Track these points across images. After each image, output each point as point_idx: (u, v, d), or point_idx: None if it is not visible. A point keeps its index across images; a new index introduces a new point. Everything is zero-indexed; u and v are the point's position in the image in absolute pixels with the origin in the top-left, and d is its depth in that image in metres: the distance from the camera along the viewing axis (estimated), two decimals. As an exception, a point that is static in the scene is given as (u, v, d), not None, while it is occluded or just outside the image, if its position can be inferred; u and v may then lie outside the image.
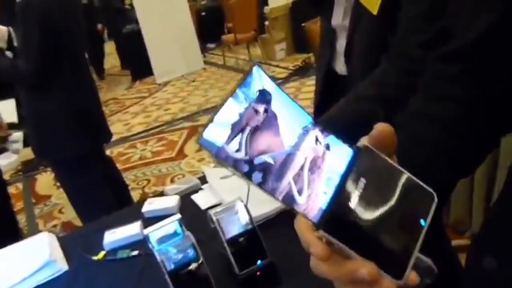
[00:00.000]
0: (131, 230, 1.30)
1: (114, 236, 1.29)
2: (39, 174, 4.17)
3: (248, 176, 0.38)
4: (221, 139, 0.38)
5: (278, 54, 6.49)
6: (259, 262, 0.99)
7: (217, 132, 0.38)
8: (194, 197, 1.43)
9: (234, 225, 1.00)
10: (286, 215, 1.21)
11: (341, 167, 0.43)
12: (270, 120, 0.40)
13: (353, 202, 0.41)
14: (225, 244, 0.98)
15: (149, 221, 1.36)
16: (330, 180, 0.42)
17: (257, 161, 0.39)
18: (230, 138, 0.38)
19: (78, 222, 3.07)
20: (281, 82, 5.38)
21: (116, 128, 4.80)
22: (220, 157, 0.38)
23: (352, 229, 0.40)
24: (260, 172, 0.39)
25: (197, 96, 5.67)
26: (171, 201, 1.40)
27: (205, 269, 0.95)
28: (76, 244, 1.33)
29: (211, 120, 0.38)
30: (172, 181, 3.44)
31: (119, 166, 3.98)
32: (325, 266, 0.41)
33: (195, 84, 6.25)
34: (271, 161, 0.40)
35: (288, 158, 0.41)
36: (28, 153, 4.20)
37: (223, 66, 6.94)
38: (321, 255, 0.40)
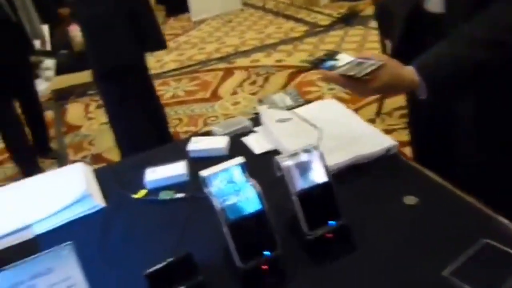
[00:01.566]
0: (175, 170, 1.17)
1: (156, 174, 1.16)
2: (70, 103, 4.09)
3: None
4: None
5: (322, 0, 6.09)
6: (330, 222, 0.84)
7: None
8: (245, 139, 1.28)
9: (304, 176, 0.84)
10: (360, 170, 1.04)
11: None
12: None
13: None
14: (294, 198, 0.83)
15: (194, 161, 1.22)
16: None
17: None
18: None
19: (109, 155, 3.00)
20: (323, 30, 5.06)
21: (149, 63, 4.63)
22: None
23: None
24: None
25: (233, 37, 5.41)
26: (220, 141, 1.24)
27: (270, 225, 0.80)
28: (113, 179, 1.21)
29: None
30: (205, 123, 3.29)
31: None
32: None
33: (232, 25, 5.96)
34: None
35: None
36: (60, 81, 4.13)
37: (262, 8, 6.59)
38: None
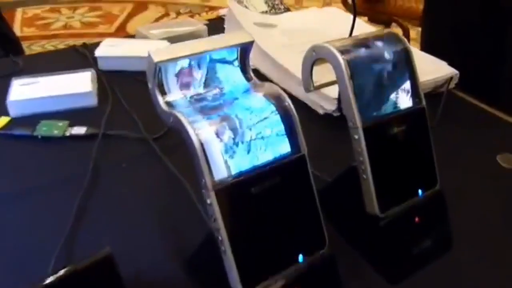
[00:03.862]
0: (71, 85, 0.65)
1: (31, 91, 0.64)
2: None
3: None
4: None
5: None
6: (420, 191, 0.42)
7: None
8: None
9: (369, 95, 0.41)
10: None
11: None
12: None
13: None
14: (356, 136, 0.39)
15: (106, 76, 0.72)
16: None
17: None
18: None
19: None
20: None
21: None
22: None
23: None
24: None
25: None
26: (155, 47, 0.75)
27: (313, 195, 0.36)
28: None
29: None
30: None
31: (34, 31, 3.13)
32: None
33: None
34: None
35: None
36: None
37: None
38: None
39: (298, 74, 0.46)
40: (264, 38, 0.74)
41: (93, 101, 0.65)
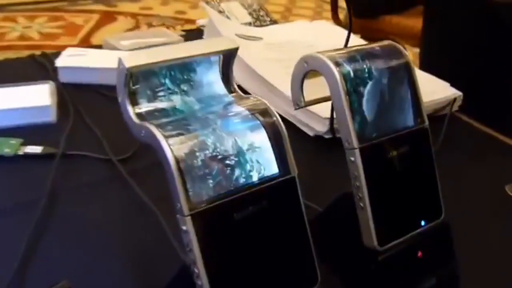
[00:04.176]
0: (28, 99, 0.64)
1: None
2: None
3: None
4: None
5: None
6: (423, 222, 0.42)
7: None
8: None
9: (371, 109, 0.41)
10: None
11: None
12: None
13: None
14: (351, 158, 0.39)
15: (69, 88, 0.72)
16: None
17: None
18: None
19: None
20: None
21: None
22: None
23: None
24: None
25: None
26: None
27: (303, 223, 0.35)
28: None
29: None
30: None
31: (-15, 41, 3.11)
32: None
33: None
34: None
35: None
36: None
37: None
38: None
39: (286, 90, 0.46)
40: (248, 51, 0.74)
41: (51, 117, 0.64)
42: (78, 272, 0.43)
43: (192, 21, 3.56)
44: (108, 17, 3.59)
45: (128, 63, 0.33)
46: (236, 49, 0.37)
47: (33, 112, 0.63)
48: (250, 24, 0.93)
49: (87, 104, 0.68)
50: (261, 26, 0.93)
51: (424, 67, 0.96)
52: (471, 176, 0.60)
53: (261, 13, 0.98)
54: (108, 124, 0.64)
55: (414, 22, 1.89)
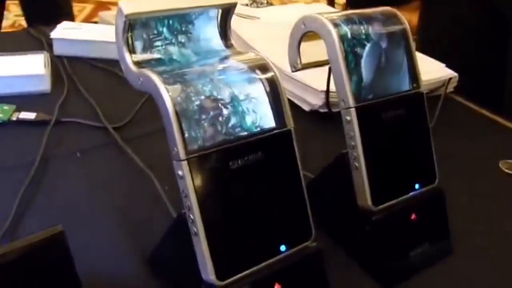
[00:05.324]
0: (22, 67, 0.64)
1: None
2: None
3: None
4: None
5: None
6: (417, 185, 0.43)
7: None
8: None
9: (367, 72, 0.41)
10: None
11: None
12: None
13: None
14: (347, 118, 0.39)
15: (64, 60, 0.71)
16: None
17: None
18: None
19: None
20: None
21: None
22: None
23: None
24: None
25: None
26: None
27: (299, 179, 0.36)
28: None
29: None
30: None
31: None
32: None
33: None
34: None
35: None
36: None
37: None
38: None
39: (282, 66, 0.46)
40: (245, 28, 0.74)
41: (45, 86, 0.64)
42: (72, 222, 0.43)
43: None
44: (102, 7, 3.59)
45: (126, 10, 0.33)
46: (235, 5, 0.37)
47: (28, 80, 0.62)
48: (247, 5, 0.93)
49: (81, 75, 0.68)
50: (258, 7, 0.93)
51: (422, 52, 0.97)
52: (466, 153, 0.61)
53: (258, -6, 0.98)
54: (103, 94, 0.64)
55: (410, 16, 1.91)
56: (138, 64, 0.34)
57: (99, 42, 0.71)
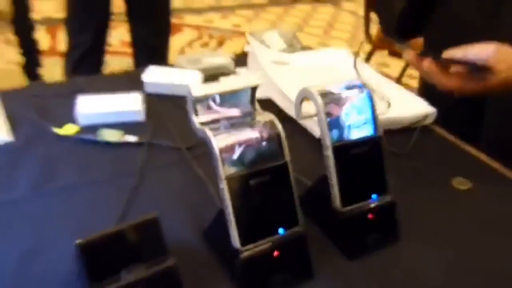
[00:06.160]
0: (125, 104, 0.88)
1: (95, 106, 0.87)
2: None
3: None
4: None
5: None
6: (373, 197, 0.62)
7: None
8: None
9: (341, 125, 0.62)
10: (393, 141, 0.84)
11: None
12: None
13: None
14: (327, 154, 0.60)
15: (151, 96, 0.95)
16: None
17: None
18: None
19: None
20: (289, 1, 4.86)
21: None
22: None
23: None
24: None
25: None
26: (191, 76, 0.98)
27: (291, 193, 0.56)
28: (26, 106, 0.90)
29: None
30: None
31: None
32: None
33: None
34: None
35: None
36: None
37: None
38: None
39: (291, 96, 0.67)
40: (277, 74, 0.96)
41: (142, 117, 0.88)
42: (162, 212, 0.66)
43: (244, 34, 3.77)
44: (176, 28, 3.86)
45: (194, 93, 0.55)
46: (257, 86, 0.59)
47: (130, 113, 0.87)
48: (284, 50, 1.14)
49: (164, 108, 0.92)
50: (293, 52, 1.14)
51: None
52: (421, 173, 0.80)
53: (294, 40, 1.19)
54: (179, 124, 0.87)
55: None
56: (201, 123, 0.56)
57: (177, 85, 0.94)
